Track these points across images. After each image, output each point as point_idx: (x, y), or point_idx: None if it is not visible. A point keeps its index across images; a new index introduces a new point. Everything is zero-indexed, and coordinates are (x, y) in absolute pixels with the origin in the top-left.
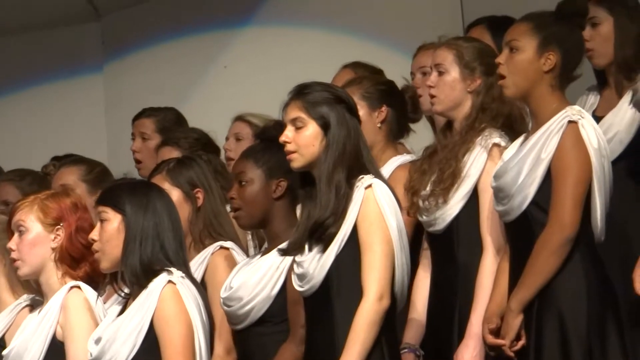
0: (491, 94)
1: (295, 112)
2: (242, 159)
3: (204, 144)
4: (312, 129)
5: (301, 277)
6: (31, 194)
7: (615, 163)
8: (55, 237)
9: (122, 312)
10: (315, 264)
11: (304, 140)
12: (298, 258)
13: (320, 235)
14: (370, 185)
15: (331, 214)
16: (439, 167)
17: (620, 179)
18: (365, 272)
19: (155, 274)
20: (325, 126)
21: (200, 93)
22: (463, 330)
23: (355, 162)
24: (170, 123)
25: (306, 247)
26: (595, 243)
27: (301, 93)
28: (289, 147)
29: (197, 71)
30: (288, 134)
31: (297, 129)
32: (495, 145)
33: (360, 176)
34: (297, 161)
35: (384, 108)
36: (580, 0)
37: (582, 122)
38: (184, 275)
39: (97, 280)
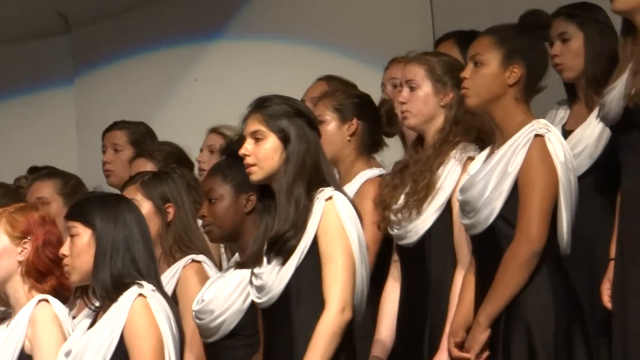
0: (463, 107)
1: (254, 125)
2: (210, 176)
3: (178, 157)
4: (271, 142)
5: (259, 289)
6: (0, 207)
7: (582, 177)
8: (22, 251)
9: (92, 325)
10: (275, 276)
11: (264, 153)
12: (256, 270)
13: (280, 248)
14: (330, 197)
15: (291, 226)
16: (413, 179)
17: (587, 193)
18: (327, 284)
19: (126, 287)
20: (285, 139)
21: (171, 106)
22: (434, 343)
23: (314, 175)
24: (142, 136)
25: (265, 259)
26: (561, 256)
27: (261, 106)
28: (248, 160)
29: (168, 84)
30: (248, 147)
31: (257, 142)
32: (470, 158)
33: (321, 188)
34: (257, 174)
35: (354, 121)
36: (543, 12)
37: (548, 136)
38: (154, 288)
39: (63, 294)
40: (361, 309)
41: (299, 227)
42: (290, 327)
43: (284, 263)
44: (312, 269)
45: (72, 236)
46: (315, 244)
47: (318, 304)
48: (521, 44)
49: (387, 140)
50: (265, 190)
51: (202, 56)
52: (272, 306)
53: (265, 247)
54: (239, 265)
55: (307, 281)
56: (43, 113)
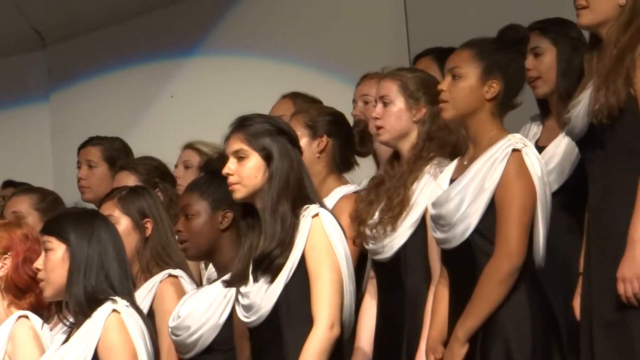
0: (437, 122)
1: (237, 144)
2: (188, 192)
3: (162, 172)
4: (254, 160)
5: (248, 308)
6: None
7: (557, 193)
8: (1, 266)
9: (66, 340)
10: (263, 294)
11: (247, 172)
12: (243, 289)
13: (267, 266)
14: (317, 214)
15: (278, 244)
16: (388, 196)
17: (563, 206)
18: (315, 300)
19: (100, 303)
20: (267, 157)
21: (147, 122)
22: (411, 357)
23: (298, 192)
24: (116, 152)
25: (251, 278)
26: (536, 271)
27: (242, 125)
28: (231, 179)
29: (143, 100)
30: (231, 166)
31: (240, 160)
32: None
33: (306, 206)
34: (240, 192)
35: (324, 138)
36: (522, 27)
37: (525, 150)
38: (128, 304)
39: (41, 312)
40: (349, 325)
41: (286, 244)
42: (280, 345)
43: (272, 281)
44: (300, 286)
45: (46, 251)
46: (302, 261)
47: (307, 321)
48: (500, 59)
49: (362, 154)
50: (248, 208)
51: (178, 72)
52: (261, 325)
53: (251, 265)
54: (225, 284)
55: (295, 298)
56: (18, 129)
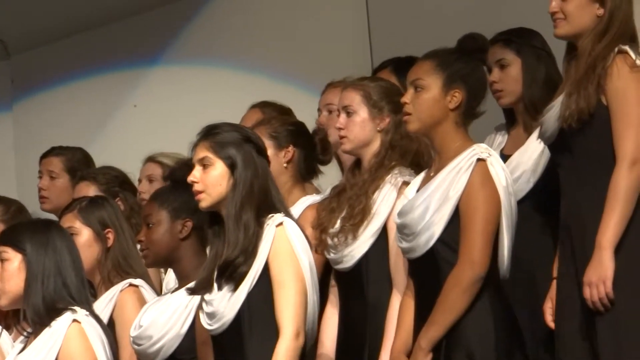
0: (399, 131)
1: (203, 152)
2: (150, 201)
3: (122, 181)
4: (219, 168)
5: (211, 316)
6: None
7: (522, 202)
8: None
9: (23, 349)
10: (226, 302)
11: (211, 180)
12: (207, 297)
13: (230, 274)
14: (281, 223)
15: (241, 252)
16: (349, 204)
17: (527, 217)
18: (280, 309)
19: (59, 312)
20: (232, 166)
21: (110, 132)
22: None
23: (263, 201)
24: (78, 162)
25: (215, 285)
26: (501, 280)
27: (209, 133)
28: (196, 187)
29: (107, 110)
30: (196, 174)
31: (205, 169)
32: (405, 183)
33: (271, 215)
34: (205, 201)
35: (290, 148)
36: (480, 35)
37: (490, 160)
38: (88, 313)
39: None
40: (313, 334)
41: (250, 252)
42: (243, 353)
43: (235, 289)
44: (263, 294)
45: (2, 261)
46: (266, 269)
47: (270, 330)
48: (461, 68)
49: (324, 162)
50: (215, 216)
51: (141, 82)
52: (223, 333)
53: (215, 273)
54: (190, 291)
55: (258, 307)
56: None
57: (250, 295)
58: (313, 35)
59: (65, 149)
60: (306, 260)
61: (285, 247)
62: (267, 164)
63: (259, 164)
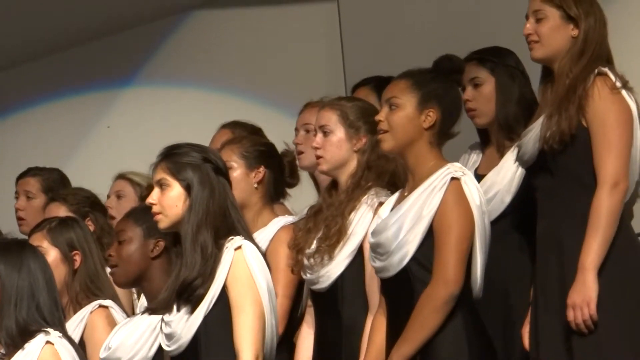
0: (376, 151)
1: (160, 174)
2: (124, 218)
3: (92, 202)
4: (176, 190)
5: (169, 337)
6: None
7: (496, 221)
8: None
9: None
10: (183, 324)
11: (168, 202)
12: (166, 317)
13: (188, 296)
14: (239, 247)
15: (198, 274)
16: (325, 225)
17: (500, 237)
18: (238, 334)
19: (32, 334)
20: (188, 187)
21: (83, 153)
22: None
23: (222, 222)
24: (54, 183)
25: (174, 306)
26: (474, 299)
27: (167, 154)
28: (154, 209)
29: (80, 131)
30: (154, 195)
31: (162, 190)
32: (381, 204)
33: (230, 237)
34: (162, 222)
35: (261, 169)
36: (456, 57)
37: (464, 179)
38: (61, 334)
39: None
40: (271, 358)
41: (207, 275)
42: None
43: (192, 311)
44: (221, 318)
45: None
46: (224, 293)
47: (227, 353)
48: (436, 88)
49: (291, 185)
50: (179, 237)
51: (115, 103)
52: (181, 354)
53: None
54: (150, 311)
55: (215, 330)
56: None
57: (207, 318)
58: (286, 56)
59: (42, 170)
60: (264, 283)
61: (244, 271)
62: (227, 184)
63: (217, 185)
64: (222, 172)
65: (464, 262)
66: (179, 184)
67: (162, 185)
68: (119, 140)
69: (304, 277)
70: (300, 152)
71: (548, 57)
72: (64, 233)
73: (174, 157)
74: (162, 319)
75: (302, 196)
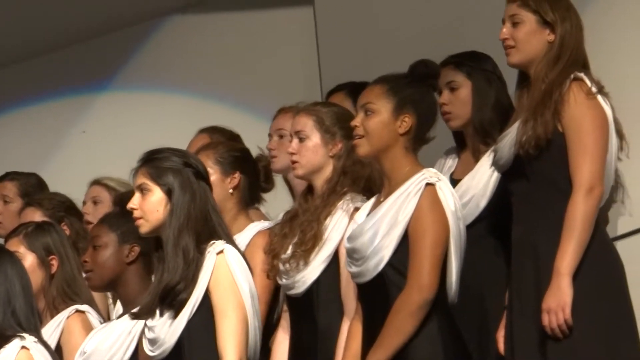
0: (352, 157)
1: (140, 179)
2: (99, 223)
3: (67, 207)
4: (156, 194)
5: (152, 342)
6: None
7: (471, 226)
8: None
9: None
10: (167, 329)
11: (149, 206)
12: (149, 322)
13: (171, 301)
14: (222, 251)
15: (181, 279)
16: (301, 230)
17: (476, 241)
18: (222, 338)
19: (7, 339)
20: (169, 192)
21: (59, 158)
22: None
23: (203, 226)
24: (32, 187)
25: (157, 311)
26: (449, 305)
27: (148, 159)
28: (135, 214)
29: (56, 136)
30: (135, 200)
31: (143, 195)
32: (357, 209)
33: (212, 241)
34: (144, 227)
35: (236, 174)
36: (432, 62)
37: (439, 185)
38: (36, 340)
39: None
40: None
41: (190, 280)
42: None
43: (175, 316)
44: (204, 322)
45: None
46: (207, 297)
47: (211, 357)
48: (412, 93)
49: (266, 190)
50: (160, 242)
51: (90, 108)
52: (165, 359)
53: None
54: (133, 315)
55: (199, 334)
56: None
57: (190, 323)
58: (263, 61)
59: (20, 174)
60: (247, 287)
61: (226, 275)
62: (208, 188)
63: (198, 189)
64: (203, 176)
65: (439, 268)
66: (159, 188)
67: (143, 190)
68: (95, 145)
69: (279, 282)
70: (274, 157)
71: (524, 62)
72: (40, 238)
73: (154, 162)
74: (145, 324)
75: (277, 201)
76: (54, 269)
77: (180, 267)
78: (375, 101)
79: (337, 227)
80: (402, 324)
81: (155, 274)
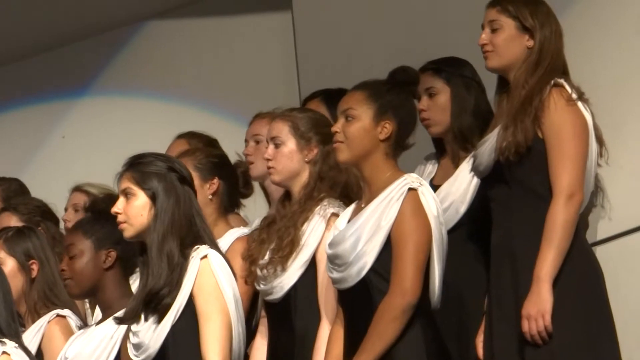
0: (328, 162)
1: (125, 183)
2: (72, 231)
3: (43, 211)
4: (141, 199)
5: (137, 347)
6: None
7: (452, 231)
8: None
9: None
10: (151, 334)
11: (133, 211)
12: (134, 327)
13: (155, 306)
14: (206, 256)
15: (165, 284)
16: (278, 236)
17: (457, 247)
18: (206, 343)
19: None
20: (153, 196)
21: (38, 163)
22: None
23: (187, 231)
24: (13, 193)
25: (142, 316)
26: (432, 310)
27: (132, 164)
28: (119, 218)
29: (35, 141)
30: (119, 204)
31: (128, 199)
32: (334, 215)
33: (196, 246)
34: (128, 231)
35: (215, 180)
36: (412, 68)
37: (421, 190)
38: (17, 345)
39: None
40: None
41: (174, 284)
42: None
43: (159, 321)
44: (188, 327)
45: None
46: (190, 302)
47: None
48: (392, 99)
49: (246, 195)
50: (144, 246)
51: (69, 113)
52: None
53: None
54: (118, 320)
55: (183, 339)
56: None
57: (174, 328)
58: (241, 66)
59: (1, 179)
60: (230, 292)
61: (210, 280)
62: (192, 193)
63: (182, 194)
64: (187, 181)
65: (421, 272)
66: (144, 193)
67: (127, 194)
68: (74, 150)
69: (257, 287)
70: (251, 163)
71: (503, 67)
72: (20, 243)
73: (139, 167)
74: (130, 329)
75: (256, 206)
76: (34, 273)
77: (164, 271)
78: (356, 107)
79: (314, 233)
80: (385, 328)
81: (140, 278)
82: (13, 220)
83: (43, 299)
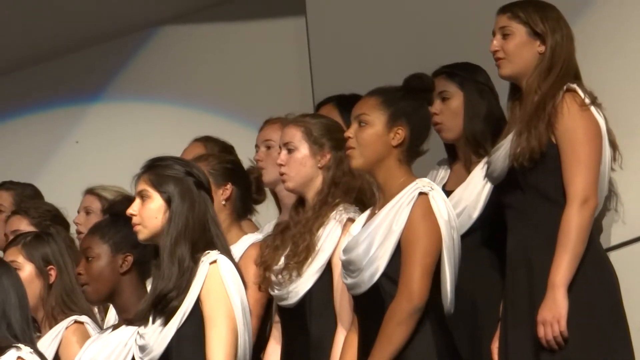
0: (341, 168)
1: (142, 185)
2: (89, 234)
3: (54, 216)
4: (156, 202)
5: (142, 349)
6: None
7: (465, 236)
8: None
9: None
10: (157, 336)
11: (148, 213)
12: (141, 329)
13: (163, 308)
14: (215, 261)
15: (174, 287)
16: (293, 242)
17: (470, 251)
18: (210, 348)
19: (3, 350)
20: (169, 200)
21: (52, 168)
22: None
23: (200, 236)
24: (27, 198)
25: (150, 318)
26: (445, 314)
27: (151, 167)
28: (134, 220)
29: (49, 146)
30: (134, 206)
31: (143, 201)
32: (350, 220)
33: (207, 251)
34: (142, 233)
35: (228, 186)
36: (427, 76)
37: (432, 194)
38: (32, 350)
39: None
40: None
41: (182, 288)
42: None
43: (165, 324)
44: (194, 331)
45: None
46: (197, 306)
47: None
48: (406, 106)
49: (258, 201)
50: (157, 250)
51: (83, 118)
52: None
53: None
54: (127, 322)
55: (188, 344)
56: None
57: (179, 332)
58: (255, 72)
59: (16, 184)
60: (238, 299)
61: (217, 285)
62: (209, 199)
63: (197, 199)
64: (205, 187)
65: (429, 276)
66: (159, 195)
67: (143, 196)
68: (88, 155)
69: (271, 293)
70: (262, 168)
71: (515, 74)
72: (39, 248)
73: (156, 169)
74: (137, 331)
75: (268, 211)
76: (52, 279)
77: (174, 275)
78: (370, 112)
79: (330, 238)
80: (393, 333)
81: (153, 281)
82: (23, 224)
83: (61, 304)
